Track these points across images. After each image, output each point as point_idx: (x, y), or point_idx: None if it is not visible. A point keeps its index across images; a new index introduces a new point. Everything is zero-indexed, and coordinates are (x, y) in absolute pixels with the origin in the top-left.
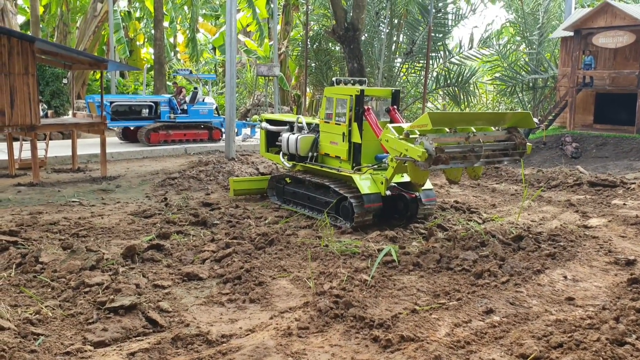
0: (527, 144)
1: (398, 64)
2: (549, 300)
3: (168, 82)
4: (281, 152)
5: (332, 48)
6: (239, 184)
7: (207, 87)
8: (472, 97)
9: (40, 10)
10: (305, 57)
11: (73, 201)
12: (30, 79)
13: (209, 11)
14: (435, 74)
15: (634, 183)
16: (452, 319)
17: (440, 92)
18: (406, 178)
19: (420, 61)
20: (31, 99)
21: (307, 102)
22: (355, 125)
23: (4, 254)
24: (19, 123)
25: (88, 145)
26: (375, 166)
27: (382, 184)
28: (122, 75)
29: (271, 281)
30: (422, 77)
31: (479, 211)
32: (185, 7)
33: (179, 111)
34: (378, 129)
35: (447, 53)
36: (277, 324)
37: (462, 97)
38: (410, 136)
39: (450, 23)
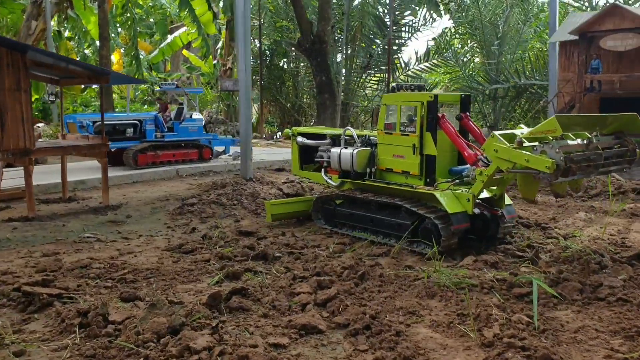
0: (638, 150)
1: (356, 78)
2: None
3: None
4: (323, 169)
5: (280, 65)
6: (277, 207)
7: (194, 102)
8: None
9: None
10: (260, 72)
11: (87, 237)
12: (23, 95)
13: (144, 29)
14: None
15: None
16: None
17: None
18: (485, 194)
19: (376, 75)
20: (24, 118)
21: (262, 117)
22: (428, 135)
23: (49, 312)
24: (10, 147)
25: (70, 171)
26: (457, 181)
27: (468, 201)
28: None
29: (406, 329)
30: (379, 91)
31: (550, 226)
32: (119, 27)
33: (166, 129)
34: (459, 138)
35: (404, 66)
36: None
37: None
38: (524, 144)
39: (406, 35)
